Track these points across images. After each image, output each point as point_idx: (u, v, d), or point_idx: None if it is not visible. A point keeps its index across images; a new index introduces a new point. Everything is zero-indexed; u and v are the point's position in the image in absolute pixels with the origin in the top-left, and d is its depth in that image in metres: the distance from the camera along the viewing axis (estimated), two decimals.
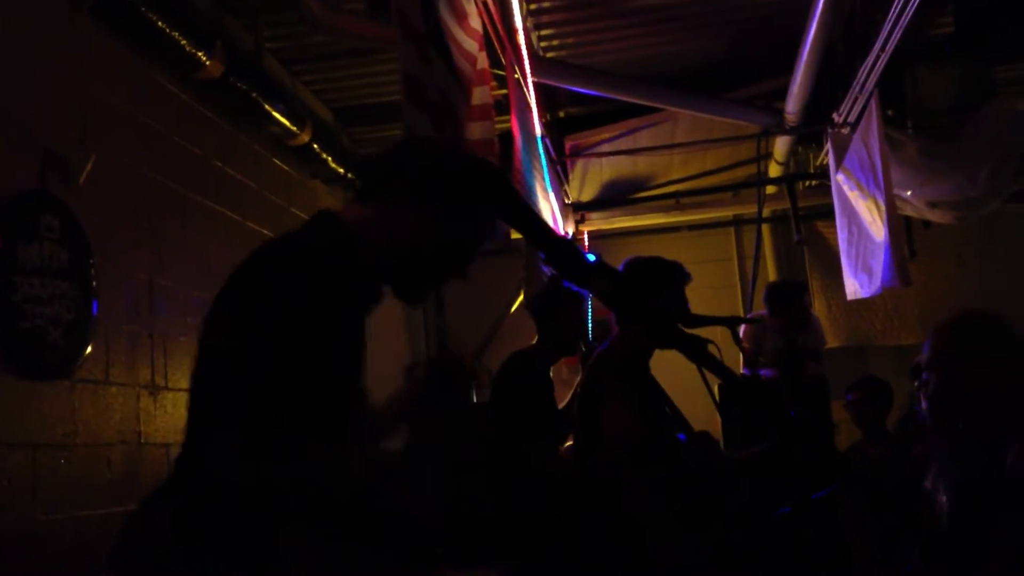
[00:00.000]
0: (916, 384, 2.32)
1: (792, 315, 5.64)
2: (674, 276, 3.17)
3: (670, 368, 3.05)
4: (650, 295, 1.42)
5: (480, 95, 3.93)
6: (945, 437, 2.28)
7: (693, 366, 1.78)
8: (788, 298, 5.72)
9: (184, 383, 4.31)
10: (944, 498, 2.53)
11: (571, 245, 1.59)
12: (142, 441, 3.96)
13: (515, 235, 5.53)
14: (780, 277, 7.72)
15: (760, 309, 6.08)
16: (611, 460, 2.91)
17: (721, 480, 2.90)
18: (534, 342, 4.40)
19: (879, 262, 5.14)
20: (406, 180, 1.67)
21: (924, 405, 2.24)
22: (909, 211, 5.96)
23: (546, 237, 1.64)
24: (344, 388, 1.57)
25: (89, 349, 3.60)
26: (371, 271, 1.66)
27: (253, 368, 1.44)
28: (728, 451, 4.28)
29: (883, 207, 4.98)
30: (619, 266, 1.48)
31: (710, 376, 1.91)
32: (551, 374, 4.38)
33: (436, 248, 1.67)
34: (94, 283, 3.64)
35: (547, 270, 5.22)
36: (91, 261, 3.64)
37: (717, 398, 4.64)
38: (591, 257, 1.69)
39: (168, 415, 4.14)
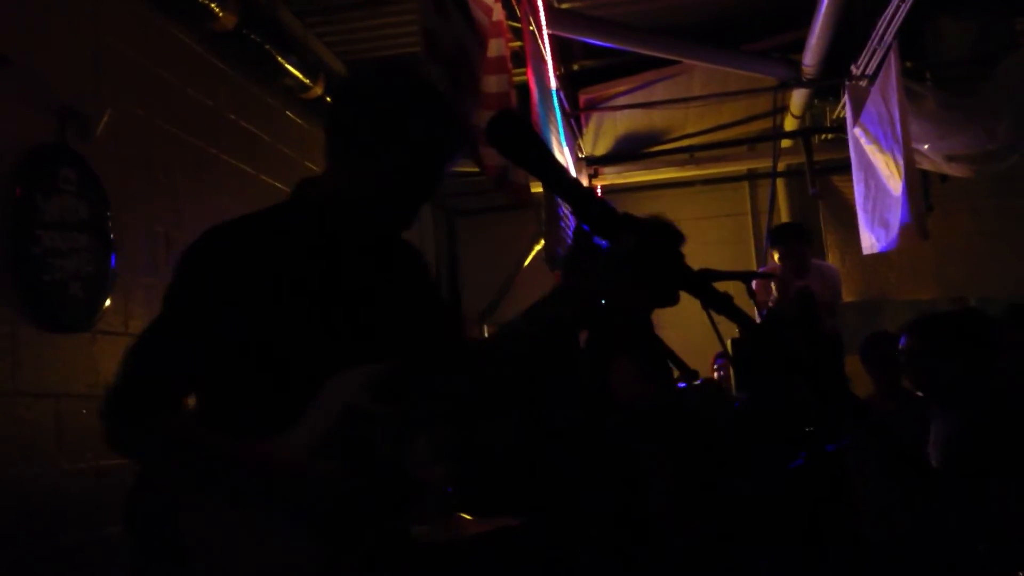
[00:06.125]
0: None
1: (785, 252, 5.65)
2: (678, 234, 3.19)
3: (672, 323, 3.07)
4: (673, 250, 1.41)
5: (496, 47, 3.90)
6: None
7: (694, 323, 1.77)
8: (783, 236, 5.74)
9: None
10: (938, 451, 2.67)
11: (594, 195, 1.56)
12: None
13: (534, 189, 5.47)
14: None
15: (772, 262, 6.09)
16: (623, 425, 2.92)
17: (726, 430, 2.93)
18: None
19: (896, 216, 5.12)
20: (341, 132, 1.69)
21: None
22: (926, 165, 5.91)
23: (570, 185, 1.60)
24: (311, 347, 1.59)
25: (108, 302, 3.64)
26: (339, 220, 1.68)
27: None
28: (736, 393, 4.28)
29: (901, 161, 4.94)
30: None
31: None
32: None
33: (395, 180, 1.67)
34: (112, 236, 3.66)
35: (566, 225, 5.20)
36: (108, 214, 3.66)
37: (730, 352, 4.67)
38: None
39: None
